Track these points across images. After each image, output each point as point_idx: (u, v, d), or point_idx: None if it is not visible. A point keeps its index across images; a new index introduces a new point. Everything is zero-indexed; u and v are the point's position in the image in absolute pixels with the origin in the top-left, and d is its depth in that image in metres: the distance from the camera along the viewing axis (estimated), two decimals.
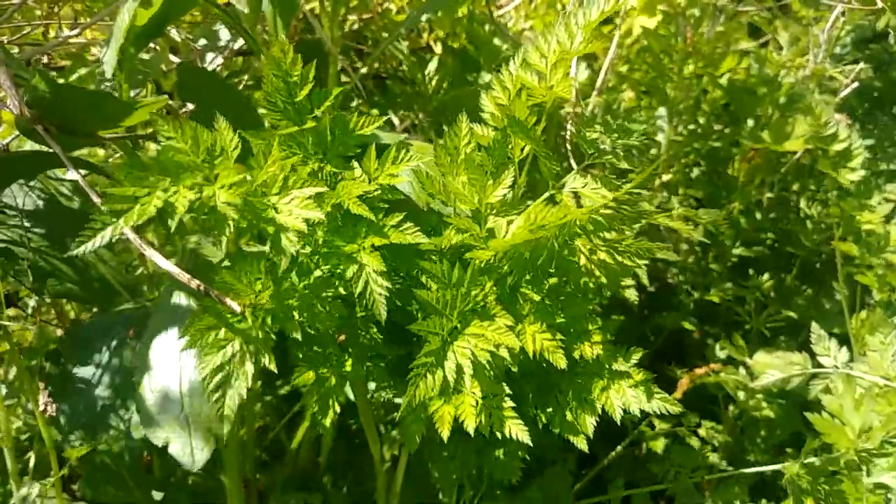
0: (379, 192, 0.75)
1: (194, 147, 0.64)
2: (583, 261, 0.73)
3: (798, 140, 1.53)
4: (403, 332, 0.74)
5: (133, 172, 0.61)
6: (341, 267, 0.71)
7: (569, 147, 0.81)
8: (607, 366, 0.77)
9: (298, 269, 0.74)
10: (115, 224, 0.61)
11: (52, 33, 1.28)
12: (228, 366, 0.69)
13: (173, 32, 1.31)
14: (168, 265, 0.72)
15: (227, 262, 0.74)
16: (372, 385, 0.93)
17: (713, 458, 1.38)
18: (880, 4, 1.35)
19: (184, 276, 0.71)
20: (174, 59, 1.32)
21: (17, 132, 0.87)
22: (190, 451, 0.85)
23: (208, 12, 1.28)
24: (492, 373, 0.71)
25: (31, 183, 1.11)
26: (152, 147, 1.00)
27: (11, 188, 1.09)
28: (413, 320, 0.72)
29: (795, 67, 1.69)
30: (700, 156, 1.74)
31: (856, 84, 1.70)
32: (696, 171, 1.78)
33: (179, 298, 0.89)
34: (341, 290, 0.74)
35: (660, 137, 1.62)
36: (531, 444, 0.71)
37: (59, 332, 1.33)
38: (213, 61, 1.30)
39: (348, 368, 0.77)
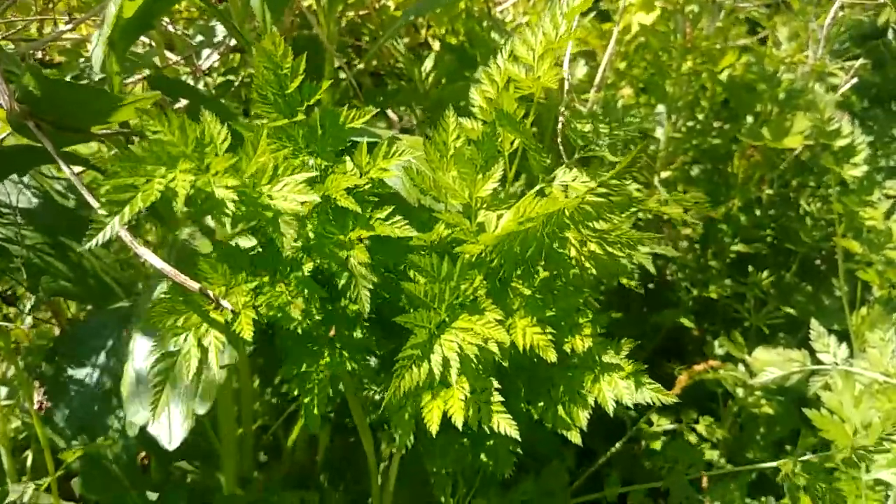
0: (369, 185, 0.75)
1: (182, 138, 0.64)
2: (573, 252, 0.73)
3: (797, 136, 1.52)
4: (394, 328, 0.74)
5: (128, 163, 0.61)
6: (328, 260, 0.71)
7: (559, 140, 0.81)
8: (598, 358, 0.77)
9: (288, 262, 0.73)
10: (122, 213, 0.61)
11: (47, 29, 1.28)
12: (177, 355, 0.70)
13: (169, 28, 1.31)
14: (152, 257, 0.72)
15: (213, 253, 0.74)
16: (367, 382, 0.93)
17: (712, 455, 1.38)
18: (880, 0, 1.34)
19: (168, 269, 0.71)
20: (170, 55, 1.32)
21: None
22: (168, 428, 0.86)
23: (204, 8, 1.28)
24: (480, 367, 0.71)
25: (26, 181, 1.11)
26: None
27: (5, 185, 1.09)
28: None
29: (795, 64, 1.68)
30: (699, 153, 1.73)
31: (855, 80, 1.69)
32: (695, 169, 1.77)
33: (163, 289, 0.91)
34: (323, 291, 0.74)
35: (658, 134, 1.62)
36: (519, 440, 0.71)
37: (57, 330, 1.33)
38: (208, 57, 1.30)
39: (335, 362, 0.77)
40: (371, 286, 0.70)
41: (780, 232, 1.72)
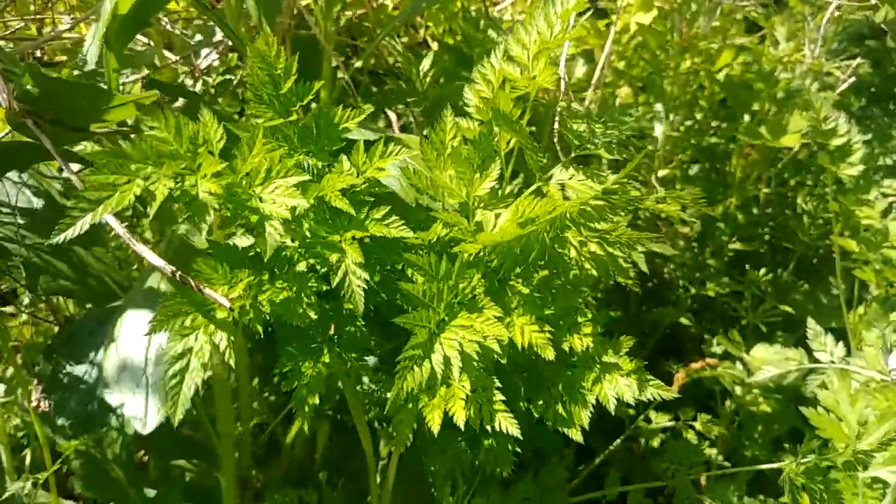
0: (366, 185, 0.75)
1: (177, 137, 0.64)
2: (573, 253, 0.73)
3: (795, 135, 1.52)
4: (392, 328, 0.74)
5: (111, 160, 0.61)
6: (320, 259, 0.71)
7: (555, 139, 0.81)
8: (597, 357, 0.77)
9: (286, 260, 0.74)
10: (95, 211, 0.61)
11: (46, 28, 1.28)
12: (189, 354, 0.70)
13: (168, 28, 1.31)
14: (148, 253, 0.72)
15: (210, 251, 0.74)
16: (367, 380, 0.93)
17: (710, 453, 1.38)
18: None
19: (159, 262, 0.71)
20: (169, 55, 1.32)
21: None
22: (144, 412, 0.87)
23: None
24: (481, 365, 0.71)
25: (25, 180, 1.11)
26: None
27: (4, 185, 1.09)
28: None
29: (792, 63, 1.68)
30: (697, 151, 1.74)
31: (853, 79, 1.69)
32: (693, 168, 1.77)
33: (155, 282, 0.91)
34: (323, 285, 0.74)
35: (657, 133, 1.62)
36: (521, 438, 0.71)
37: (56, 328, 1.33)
38: (207, 56, 1.30)
39: (333, 360, 0.77)
40: (365, 286, 0.70)
41: (777, 230, 1.72)
